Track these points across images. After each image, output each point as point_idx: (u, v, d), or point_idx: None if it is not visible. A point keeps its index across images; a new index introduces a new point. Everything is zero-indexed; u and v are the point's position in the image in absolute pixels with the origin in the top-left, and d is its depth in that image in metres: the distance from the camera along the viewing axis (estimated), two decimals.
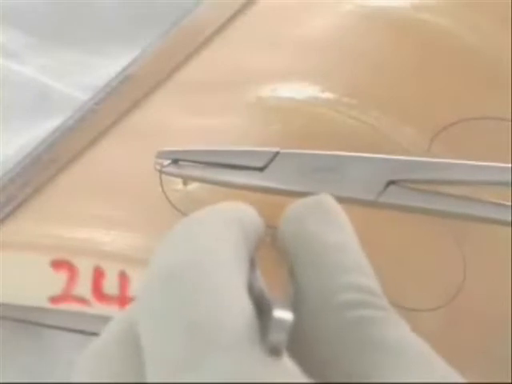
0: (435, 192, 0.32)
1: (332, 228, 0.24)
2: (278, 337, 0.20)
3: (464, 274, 0.35)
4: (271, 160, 0.34)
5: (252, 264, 0.23)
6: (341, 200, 0.32)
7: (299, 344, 0.21)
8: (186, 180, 0.37)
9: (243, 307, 0.21)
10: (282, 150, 0.34)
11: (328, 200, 0.25)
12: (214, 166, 0.35)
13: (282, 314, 0.20)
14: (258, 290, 0.22)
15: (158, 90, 0.42)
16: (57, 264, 0.37)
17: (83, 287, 0.37)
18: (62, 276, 0.37)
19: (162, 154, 0.36)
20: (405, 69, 0.41)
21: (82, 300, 0.37)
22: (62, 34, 0.49)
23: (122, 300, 0.36)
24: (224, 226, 0.23)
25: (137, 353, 0.22)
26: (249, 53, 0.43)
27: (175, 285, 0.21)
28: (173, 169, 0.36)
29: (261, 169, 0.34)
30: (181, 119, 0.40)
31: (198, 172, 0.35)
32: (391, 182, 0.32)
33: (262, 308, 0.21)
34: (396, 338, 0.21)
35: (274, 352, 0.20)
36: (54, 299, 0.37)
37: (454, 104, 0.40)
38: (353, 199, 0.32)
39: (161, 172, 0.36)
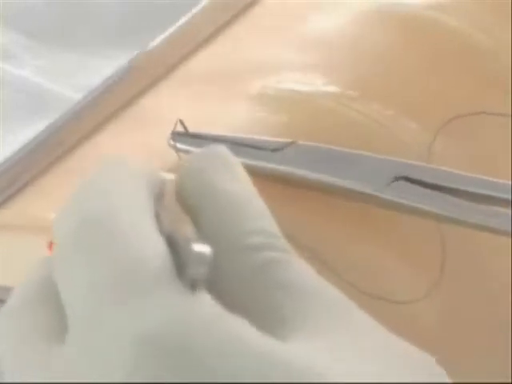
0: (442, 193, 0.33)
1: (232, 178, 0.25)
2: (199, 270, 0.21)
3: (442, 268, 0.35)
4: (286, 146, 0.34)
5: (156, 212, 0.24)
6: (347, 192, 0.33)
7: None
8: None
9: (157, 245, 0.22)
10: (299, 142, 0.34)
11: (226, 152, 0.26)
12: (229, 143, 0.35)
13: (202, 248, 0.21)
14: (167, 232, 0.22)
15: (164, 80, 0.42)
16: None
17: None
18: None
19: (175, 134, 0.36)
20: (409, 63, 0.41)
21: None
22: (60, 36, 0.49)
23: None
24: (128, 176, 0.24)
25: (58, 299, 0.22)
26: (255, 45, 0.43)
27: (90, 229, 0.22)
28: (186, 146, 0.36)
29: (275, 150, 0.34)
30: (186, 109, 0.39)
31: None
32: (398, 179, 0.33)
33: (174, 247, 0.22)
34: (303, 279, 0.22)
35: (194, 285, 0.21)
36: None
37: (458, 100, 0.40)
38: (358, 192, 0.33)
39: (175, 147, 0.36)
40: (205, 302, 0.20)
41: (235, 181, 0.25)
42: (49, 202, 0.38)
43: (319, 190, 0.34)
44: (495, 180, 0.33)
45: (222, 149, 0.26)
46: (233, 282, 0.22)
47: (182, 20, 0.44)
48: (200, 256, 0.21)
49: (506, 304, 0.35)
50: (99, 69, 0.45)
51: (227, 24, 0.44)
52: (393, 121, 0.38)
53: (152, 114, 0.41)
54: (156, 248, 0.21)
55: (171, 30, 0.44)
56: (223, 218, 0.23)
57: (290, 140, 0.34)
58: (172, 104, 0.41)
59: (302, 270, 0.22)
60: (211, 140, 0.35)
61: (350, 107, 0.38)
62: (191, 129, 0.36)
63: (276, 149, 0.34)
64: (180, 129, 0.36)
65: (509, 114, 0.39)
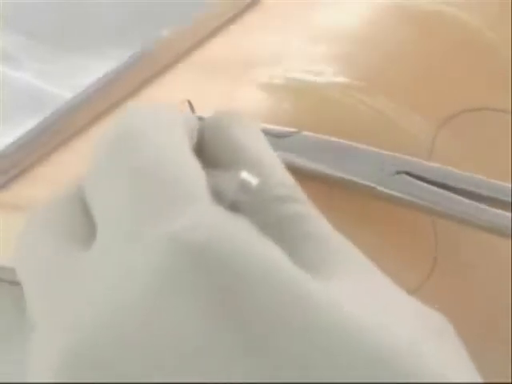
0: (442, 190, 0.33)
1: (251, 134, 0.25)
2: (241, 196, 0.20)
3: (434, 262, 0.35)
4: (290, 134, 0.34)
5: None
6: (347, 183, 0.33)
7: None
8: None
9: (193, 164, 0.22)
10: (303, 132, 0.34)
11: (242, 114, 0.27)
12: None
13: (249, 177, 0.21)
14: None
15: (174, 68, 0.42)
16: None
17: None
18: None
19: None
20: (417, 56, 0.41)
21: None
22: (60, 37, 0.48)
23: None
24: (165, 111, 0.24)
25: (85, 211, 0.23)
26: (266, 34, 0.43)
27: (124, 143, 0.22)
28: None
29: (279, 136, 0.34)
30: (195, 96, 0.39)
31: None
32: (400, 173, 0.33)
33: (213, 178, 0.21)
34: (325, 232, 0.22)
35: (234, 209, 0.20)
36: None
37: (464, 94, 0.40)
38: (359, 183, 0.34)
39: None
40: (240, 220, 0.20)
41: (255, 137, 0.25)
42: (51, 185, 0.38)
43: (319, 180, 0.34)
44: (496, 182, 0.33)
45: (239, 112, 0.27)
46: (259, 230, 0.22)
47: (194, 9, 0.44)
48: (245, 183, 0.20)
49: (496, 300, 0.35)
50: (99, 70, 0.44)
51: (239, 13, 0.44)
52: (398, 113, 0.38)
53: (160, 101, 0.41)
54: (192, 166, 0.22)
55: (183, 18, 0.44)
56: (247, 170, 0.23)
57: (294, 129, 0.34)
58: (181, 91, 0.41)
59: (322, 223, 0.23)
60: None
61: (356, 98, 0.38)
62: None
63: (280, 136, 0.34)
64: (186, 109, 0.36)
65: None
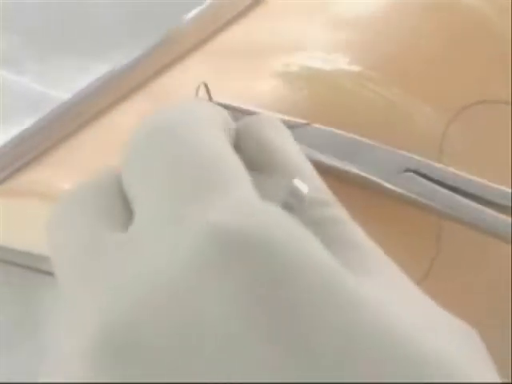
0: (448, 191, 0.33)
1: (286, 139, 0.25)
2: (292, 200, 0.20)
3: (438, 250, 0.35)
4: (301, 125, 0.34)
5: None
6: (353, 177, 0.33)
7: None
8: None
9: (235, 156, 0.22)
10: (313, 124, 0.34)
11: (277, 119, 0.26)
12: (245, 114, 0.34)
13: (301, 185, 0.21)
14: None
15: (191, 56, 0.42)
16: None
17: None
18: None
19: None
20: (431, 48, 0.41)
21: None
22: (60, 39, 0.48)
23: None
24: (203, 106, 0.24)
25: (122, 196, 0.22)
26: (283, 23, 0.43)
27: (161, 134, 0.22)
28: None
29: (289, 127, 0.35)
30: (212, 82, 0.40)
31: None
32: (407, 171, 0.34)
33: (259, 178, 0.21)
34: (359, 237, 0.22)
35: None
36: None
37: (477, 87, 0.40)
38: (365, 178, 0.34)
39: None
40: (285, 213, 0.20)
41: (289, 142, 0.25)
42: (63, 171, 0.38)
43: (325, 172, 0.34)
44: (503, 188, 0.33)
45: (275, 118, 0.26)
46: None
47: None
48: (297, 190, 0.20)
49: (498, 296, 0.35)
50: (99, 72, 0.44)
51: (256, 2, 0.44)
52: (410, 103, 0.38)
53: (178, 87, 0.41)
54: (232, 156, 0.21)
55: (200, 7, 0.44)
56: (282, 172, 0.23)
57: (305, 121, 0.35)
58: (198, 79, 0.41)
59: (355, 227, 0.22)
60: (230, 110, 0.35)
61: (368, 88, 0.38)
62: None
63: (290, 126, 0.35)
64: (202, 94, 0.36)
65: None
